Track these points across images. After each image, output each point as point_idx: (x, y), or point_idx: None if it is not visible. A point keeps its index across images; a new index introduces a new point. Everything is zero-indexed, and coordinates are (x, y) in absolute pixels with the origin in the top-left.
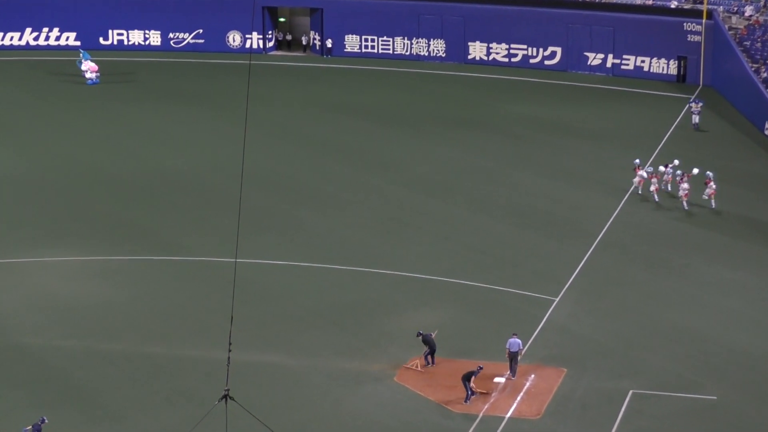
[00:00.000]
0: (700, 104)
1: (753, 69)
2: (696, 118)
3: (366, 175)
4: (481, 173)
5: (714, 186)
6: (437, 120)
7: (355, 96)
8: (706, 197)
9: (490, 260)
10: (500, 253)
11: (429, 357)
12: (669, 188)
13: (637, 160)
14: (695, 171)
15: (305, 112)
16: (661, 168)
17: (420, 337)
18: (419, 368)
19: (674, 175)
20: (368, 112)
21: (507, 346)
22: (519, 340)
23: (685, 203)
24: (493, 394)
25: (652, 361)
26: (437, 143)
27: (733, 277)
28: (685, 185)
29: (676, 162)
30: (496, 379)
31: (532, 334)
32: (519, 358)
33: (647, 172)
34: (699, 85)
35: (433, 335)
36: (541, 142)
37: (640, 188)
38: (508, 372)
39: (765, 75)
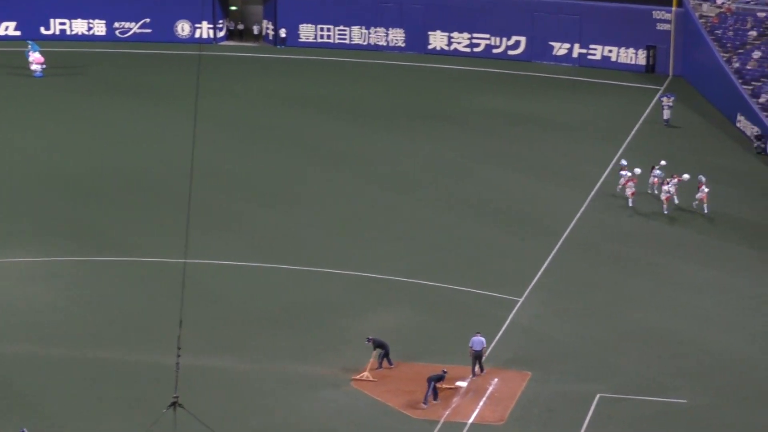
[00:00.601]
0: (672, 98)
1: (724, 59)
2: (667, 113)
3: (323, 170)
4: (443, 168)
5: (706, 189)
6: (397, 113)
7: (310, 88)
8: (697, 202)
9: (452, 259)
10: (463, 251)
11: (385, 359)
12: (656, 191)
13: (624, 161)
14: (685, 176)
15: (258, 105)
16: (652, 171)
17: (370, 342)
18: (371, 378)
19: (660, 177)
20: (324, 104)
21: (470, 345)
22: (483, 338)
23: (665, 207)
24: (454, 399)
25: (621, 364)
26: (398, 137)
27: (706, 276)
28: (667, 188)
29: (663, 163)
30: (458, 383)
31: (496, 335)
32: (483, 357)
33: (624, 176)
34: (669, 75)
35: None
36: (505, 135)
37: (629, 194)
38: (471, 375)
39: (737, 65)
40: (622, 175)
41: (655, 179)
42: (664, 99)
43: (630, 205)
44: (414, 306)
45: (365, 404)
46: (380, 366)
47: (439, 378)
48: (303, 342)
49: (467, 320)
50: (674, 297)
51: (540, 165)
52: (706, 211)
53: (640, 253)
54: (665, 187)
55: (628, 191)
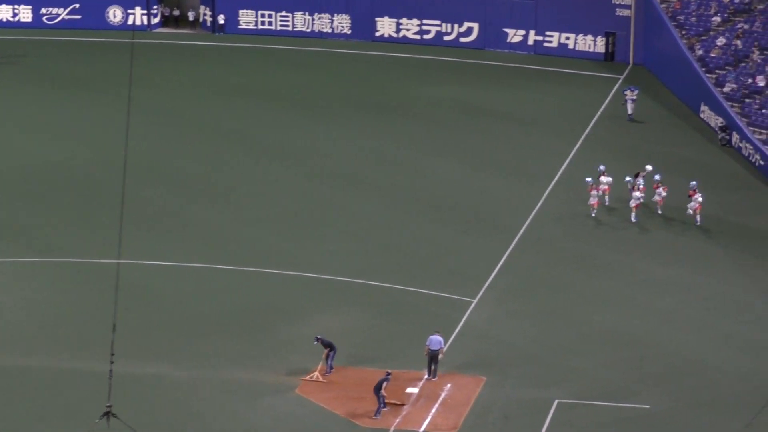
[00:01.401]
0: (635, 92)
1: (687, 46)
2: (630, 108)
3: (266, 165)
4: (391, 162)
5: (701, 199)
6: (344, 104)
7: (251, 78)
8: (691, 212)
9: (403, 259)
10: (414, 250)
11: (332, 360)
12: (641, 200)
13: (602, 167)
14: (648, 167)
15: (196, 96)
16: (632, 179)
17: (318, 342)
18: (321, 379)
19: (631, 184)
20: (266, 95)
21: (427, 344)
22: (441, 338)
23: (633, 215)
24: (405, 407)
25: (580, 368)
26: (344, 129)
27: (669, 274)
28: (638, 194)
29: (649, 168)
30: (409, 390)
31: (449, 339)
32: (440, 358)
33: (591, 183)
34: (629, 64)
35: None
36: (457, 127)
37: (607, 198)
38: (426, 375)
39: (700, 52)
40: (600, 182)
41: (641, 186)
42: (627, 92)
43: (593, 215)
44: (363, 308)
45: (310, 412)
46: (330, 369)
47: (383, 382)
48: (245, 347)
49: (419, 322)
50: (636, 297)
51: (494, 159)
52: (698, 222)
53: (600, 251)
54: (635, 194)
55: (592, 200)
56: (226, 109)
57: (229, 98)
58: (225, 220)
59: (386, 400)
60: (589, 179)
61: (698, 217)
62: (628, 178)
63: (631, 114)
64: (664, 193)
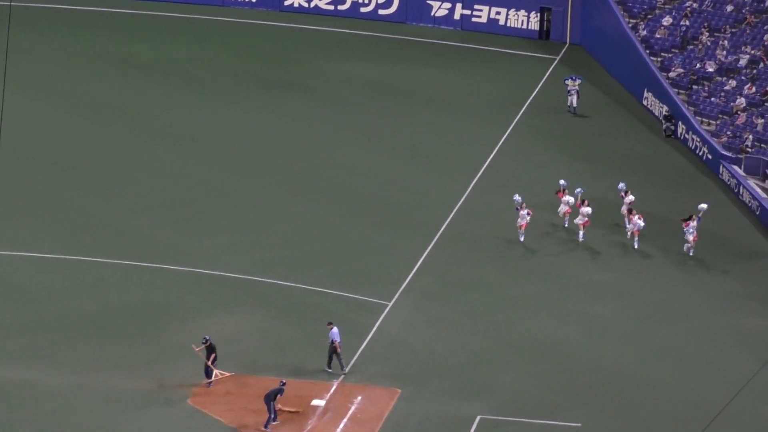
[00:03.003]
0: (578, 81)
1: (630, 25)
2: (573, 100)
3: (153, 147)
4: (300, 148)
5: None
6: (246, 81)
7: (140, 49)
8: (689, 245)
9: (308, 255)
10: (322, 246)
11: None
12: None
13: (563, 181)
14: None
15: (75, 68)
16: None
17: (207, 343)
18: (227, 374)
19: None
20: (157, 69)
21: (333, 339)
22: (336, 329)
23: (581, 234)
24: (310, 421)
25: (505, 380)
26: (246, 110)
27: (604, 279)
28: (587, 209)
29: (622, 184)
30: (315, 402)
31: (360, 346)
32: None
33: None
34: (565, 43)
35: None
36: (374, 110)
37: (566, 220)
38: (342, 370)
39: (644, 33)
40: (564, 202)
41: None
42: (569, 82)
43: (521, 239)
44: (261, 309)
45: (202, 426)
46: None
47: (277, 393)
48: (128, 351)
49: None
50: (567, 302)
51: (414, 146)
52: (690, 254)
53: (529, 251)
54: (584, 209)
55: (521, 221)
56: (110, 83)
57: (114, 72)
58: (106, 207)
59: (281, 410)
60: (566, 198)
61: (691, 250)
62: (631, 198)
63: (572, 107)
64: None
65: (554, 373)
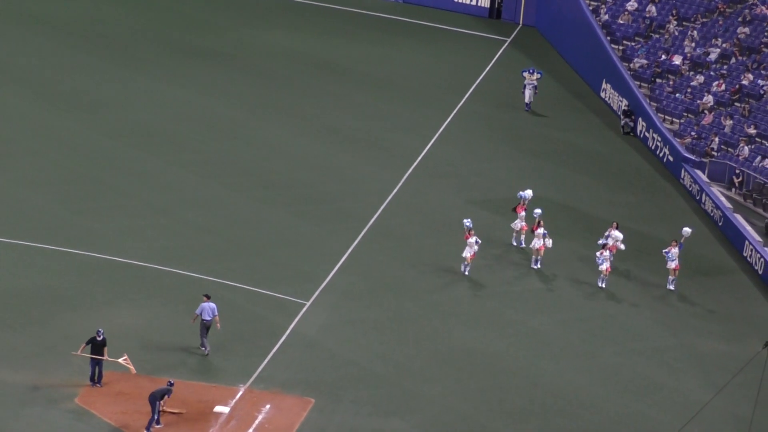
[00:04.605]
0: (537, 75)
1: (591, 8)
2: (529, 95)
3: (53, 116)
4: (218, 124)
5: (677, 259)
6: (158, 47)
7: (40, 6)
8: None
9: (220, 245)
10: (235, 235)
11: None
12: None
13: (523, 193)
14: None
15: None
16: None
17: (101, 338)
18: (130, 364)
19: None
20: (59, 29)
21: (198, 312)
22: (214, 305)
23: (537, 261)
24: (211, 430)
25: (430, 395)
26: (160, 79)
27: (544, 287)
28: (540, 230)
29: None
30: (218, 408)
31: (271, 349)
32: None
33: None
34: (518, 24)
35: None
36: (303, 87)
37: (522, 241)
38: (201, 348)
39: (606, 17)
40: (519, 216)
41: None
42: (526, 74)
43: (466, 272)
44: (164, 302)
45: (89, 427)
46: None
47: (164, 393)
48: (13, 342)
49: (234, 326)
50: (504, 312)
51: (344, 129)
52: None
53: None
54: (538, 230)
55: (467, 252)
56: (5, 41)
57: (8, 29)
58: None
59: (164, 411)
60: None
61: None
62: (616, 234)
63: (528, 103)
64: (608, 264)
65: (487, 389)
